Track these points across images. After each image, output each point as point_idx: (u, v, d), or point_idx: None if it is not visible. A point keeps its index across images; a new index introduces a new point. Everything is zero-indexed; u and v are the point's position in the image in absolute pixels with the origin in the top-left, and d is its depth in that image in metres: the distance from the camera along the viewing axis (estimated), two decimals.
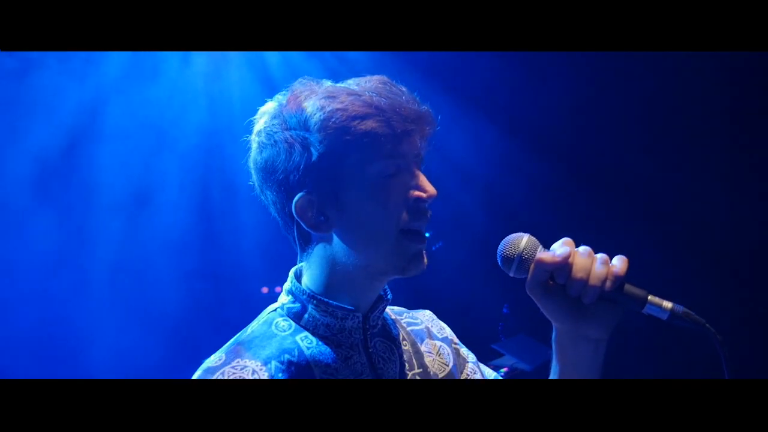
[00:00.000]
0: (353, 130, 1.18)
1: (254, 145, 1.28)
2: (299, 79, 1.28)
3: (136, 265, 4.01)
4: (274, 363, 1.20)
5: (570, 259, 1.13)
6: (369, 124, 1.18)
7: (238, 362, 1.19)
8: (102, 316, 3.87)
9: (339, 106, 1.19)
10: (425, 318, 1.52)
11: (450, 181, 4.68)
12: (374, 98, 1.20)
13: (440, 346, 1.45)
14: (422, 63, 4.11)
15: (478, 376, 1.49)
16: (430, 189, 1.24)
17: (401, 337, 1.38)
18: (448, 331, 1.52)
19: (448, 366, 1.43)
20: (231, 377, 1.15)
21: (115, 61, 3.85)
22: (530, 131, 4.57)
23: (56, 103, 3.75)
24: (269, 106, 1.28)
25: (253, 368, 1.18)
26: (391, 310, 1.47)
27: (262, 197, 1.30)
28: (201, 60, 3.99)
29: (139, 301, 3.96)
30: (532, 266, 1.16)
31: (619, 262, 1.15)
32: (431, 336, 1.46)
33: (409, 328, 1.44)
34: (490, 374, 1.54)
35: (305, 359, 1.22)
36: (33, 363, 3.58)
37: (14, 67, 3.62)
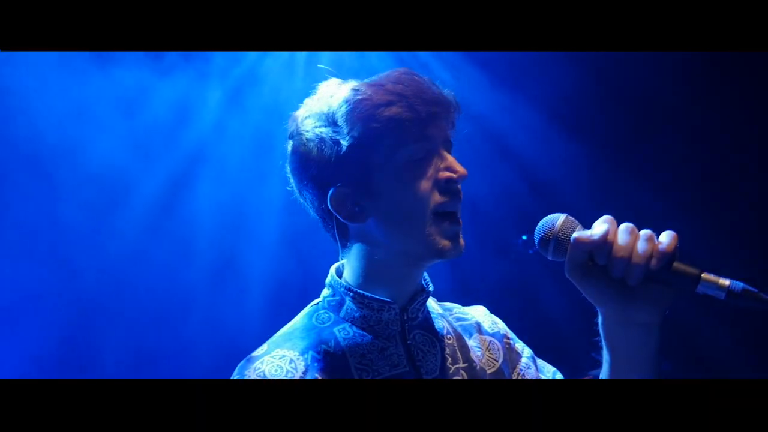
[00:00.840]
0: (378, 118, 1.21)
1: (289, 149, 1.33)
2: (325, 81, 1.33)
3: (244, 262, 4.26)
4: (311, 353, 1.23)
5: (610, 238, 1.03)
6: (393, 110, 1.21)
7: (277, 352, 1.23)
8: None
9: (363, 96, 1.23)
10: (477, 313, 1.49)
11: (548, 187, 4.55)
12: (397, 86, 1.23)
13: (490, 341, 1.42)
14: (491, 62, 4.16)
15: (531, 372, 1.42)
16: (461, 169, 1.25)
17: (446, 331, 1.36)
18: (501, 326, 1.48)
19: (497, 362, 1.39)
20: (269, 366, 1.20)
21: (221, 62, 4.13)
22: (598, 133, 4.44)
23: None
24: (299, 111, 1.33)
25: (291, 357, 1.22)
26: (441, 305, 1.47)
27: (301, 199, 1.35)
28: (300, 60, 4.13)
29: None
30: (569, 247, 1.07)
31: (666, 238, 1.02)
32: (481, 331, 1.43)
33: (457, 323, 1.42)
34: (548, 370, 1.47)
35: (341, 349, 1.24)
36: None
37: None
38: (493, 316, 1.51)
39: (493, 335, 1.44)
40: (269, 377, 1.19)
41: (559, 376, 1.46)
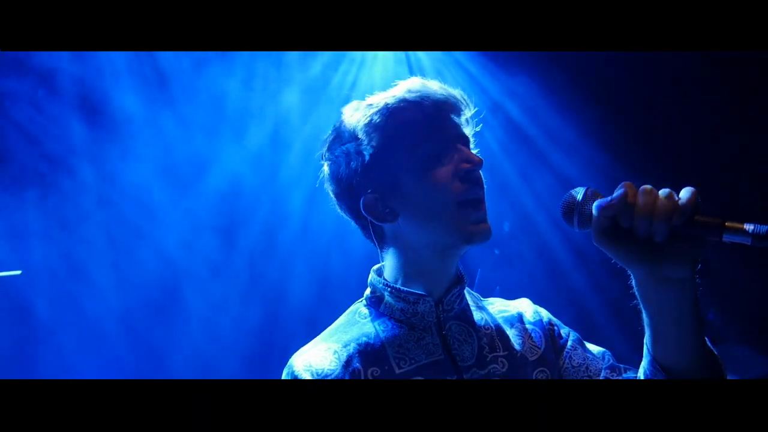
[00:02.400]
0: (392, 124, 1.33)
1: (323, 170, 1.45)
2: (348, 104, 1.44)
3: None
4: (353, 345, 1.32)
5: (630, 200, 1.05)
6: (405, 116, 1.33)
7: (322, 345, 1.32)
8: None
9: (377, 108, 1.35)
10: (520, 305, 1.52)
11: None
12: (406, 94, 1.35)
13: (532, 330, 1.45)
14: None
15: (578, 353, 1.42)
16: (476, 158, 1.32)
17: (483, 322, 1.41)
18: (544, 315, 1.50)
19: (539, 349, 1.41)
20: (315, 357, 1.29)
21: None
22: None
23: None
24: (328, 134, 1.45)
25: (335, 349, 1.30)
26: (484, 300, 1.52)
27: (342, 213, 1.45)
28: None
29: None
30: (593, 215, 1.09)
31: (685, 194, 1.03)
32: (523, 321, 1.46)
33: (499, 315, 1.47)
34: (597, 350, 1.45)
35: (380, 341, 1.32)
36: None
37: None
38: (537, 306, 1.52)
39: (534, 324, 1.46)
40: (316, 368, 1.27)
41: (608, 356, 1.43)
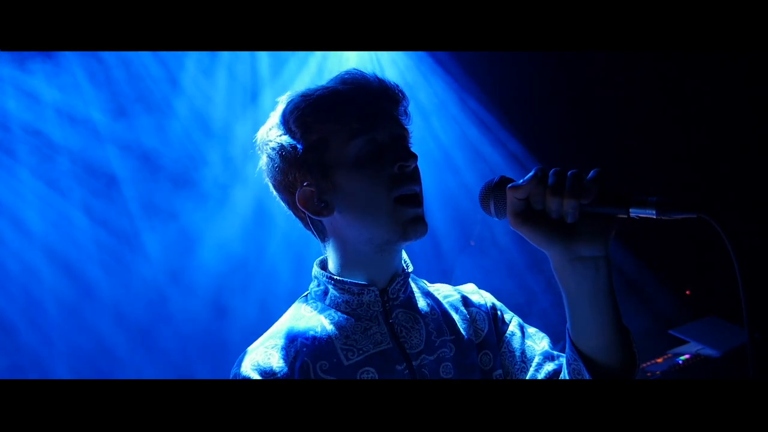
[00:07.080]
0: (325, 117, 1.31)
1: (261, 161, 1.41)
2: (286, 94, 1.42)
3: None
4: (299, 340, 1.32)
5: (541, 182, 1.09)
6: (339, 109, 1.30)
7: (269, 342, 1.33)
8: None
9: (310, 101, 1.32)
10: (465, 289, 1.54)
11: None
12: (340, 85, 1.34)
13: (476, 313, 1.47)
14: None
15: (517, 338, 1.44)
16: (410, 153, 1.32)
17: (430, 308, 1.42)
18: (488, 299, 1.52)
19: (483, 332, 1.44)
20: (262, 355, 1.29)
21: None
22: None
23: None
24: (265, 125, 1.42)
25: (281, 345, 1.31)
26: (430, 285, 1.53)
27: (283, 206, 1.44)
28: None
29: None
30: (507, 200, 1.13)
31: (592, 173, 1.08)
32: (468, 305, 1.48)
33: (445, 300, 1.48)
34: (538, 337, 1.46)
35: (327, 333, 1.33)
36: None
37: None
38: (482, 291, 1.55)
39: (479, 307, 1.48)
40: (263, 366, 1.27)
41: (546, 340, 1.45)
